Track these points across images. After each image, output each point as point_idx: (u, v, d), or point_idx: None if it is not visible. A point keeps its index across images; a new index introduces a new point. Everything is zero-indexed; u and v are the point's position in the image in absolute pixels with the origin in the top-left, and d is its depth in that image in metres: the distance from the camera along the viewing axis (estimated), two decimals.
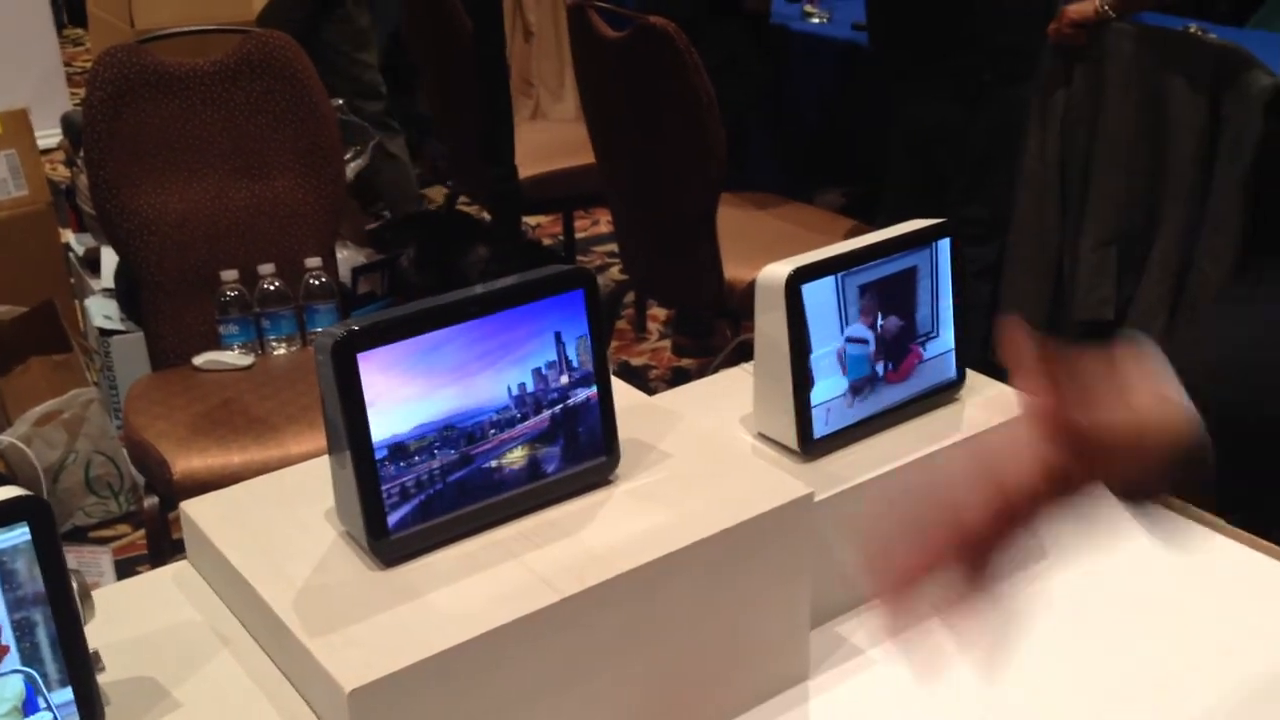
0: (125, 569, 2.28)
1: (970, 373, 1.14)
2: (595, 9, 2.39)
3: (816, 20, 3.38)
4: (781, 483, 0.92)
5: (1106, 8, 2.35)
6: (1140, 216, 2.42)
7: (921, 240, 1.06)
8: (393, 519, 0.83)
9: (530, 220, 4.02)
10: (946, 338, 1.10)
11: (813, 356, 1.01)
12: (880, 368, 1.06)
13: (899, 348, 1.07)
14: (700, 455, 0.96)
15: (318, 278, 2.08)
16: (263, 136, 2.05)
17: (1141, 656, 0.98)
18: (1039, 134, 2.52)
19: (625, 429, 0.93)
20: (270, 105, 2.05)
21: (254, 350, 2.06)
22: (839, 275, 1.01)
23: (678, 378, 3.03)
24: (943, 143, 2.62)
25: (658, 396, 1.10)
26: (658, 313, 3.40)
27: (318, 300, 2.09)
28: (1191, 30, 2.39)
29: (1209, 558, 1.09)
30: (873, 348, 1.05)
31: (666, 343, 3.28)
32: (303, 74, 2.05)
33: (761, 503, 0.89)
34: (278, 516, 0.90)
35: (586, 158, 2.69)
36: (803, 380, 1.00)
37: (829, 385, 1.02)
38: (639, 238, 2.57)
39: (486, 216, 3.44)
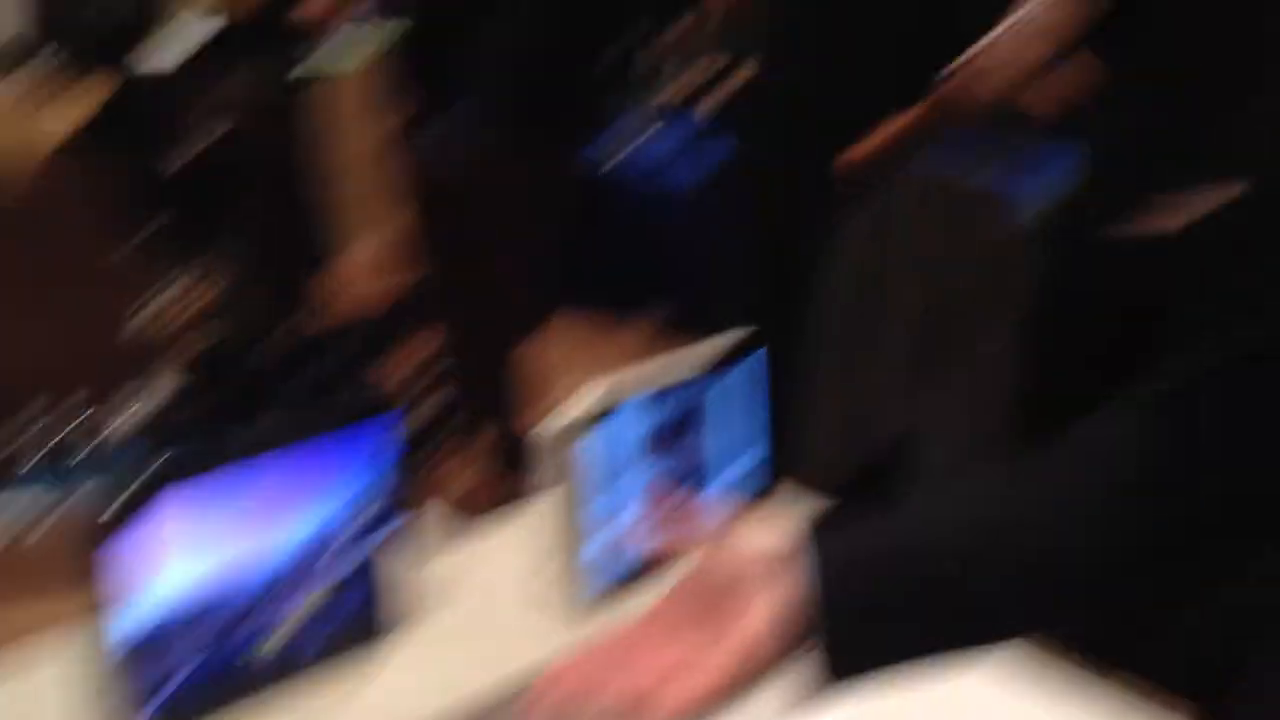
0: None
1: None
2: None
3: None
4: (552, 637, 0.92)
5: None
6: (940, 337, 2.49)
7: (730, 359, 1.11)
8: None
9: None
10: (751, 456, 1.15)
11: (599, 498, 1.02)
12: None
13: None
14: (486, 607, 0.95)
15: None
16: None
17: None
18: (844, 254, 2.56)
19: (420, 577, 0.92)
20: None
21: None
22: (618, 420, 1.02)
23: (495, 513, 2.99)
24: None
25: (461, 538, 1.10)
26: (481, 442, 3.37)
27: None
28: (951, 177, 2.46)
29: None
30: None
31: (483, 475, 3.25)
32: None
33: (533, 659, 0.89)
34: None
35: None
36: (578, 537, 1.02)
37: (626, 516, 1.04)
38: (461, 365, 2.59)
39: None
